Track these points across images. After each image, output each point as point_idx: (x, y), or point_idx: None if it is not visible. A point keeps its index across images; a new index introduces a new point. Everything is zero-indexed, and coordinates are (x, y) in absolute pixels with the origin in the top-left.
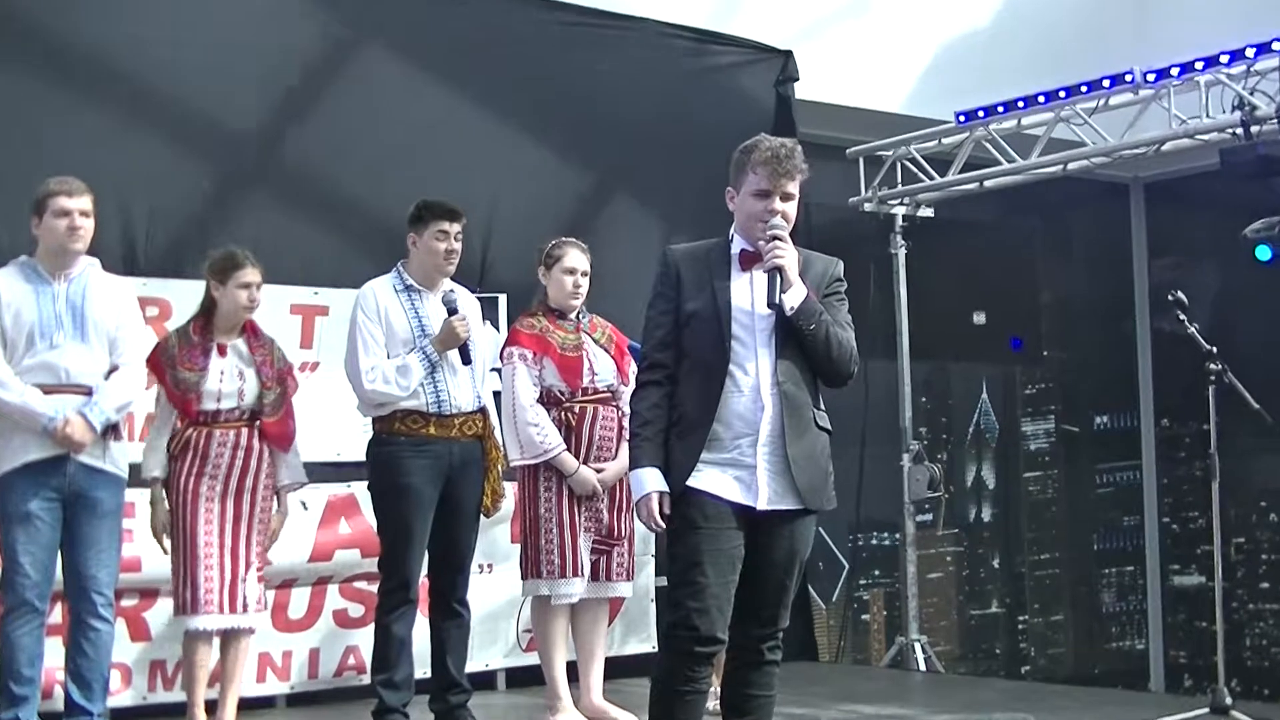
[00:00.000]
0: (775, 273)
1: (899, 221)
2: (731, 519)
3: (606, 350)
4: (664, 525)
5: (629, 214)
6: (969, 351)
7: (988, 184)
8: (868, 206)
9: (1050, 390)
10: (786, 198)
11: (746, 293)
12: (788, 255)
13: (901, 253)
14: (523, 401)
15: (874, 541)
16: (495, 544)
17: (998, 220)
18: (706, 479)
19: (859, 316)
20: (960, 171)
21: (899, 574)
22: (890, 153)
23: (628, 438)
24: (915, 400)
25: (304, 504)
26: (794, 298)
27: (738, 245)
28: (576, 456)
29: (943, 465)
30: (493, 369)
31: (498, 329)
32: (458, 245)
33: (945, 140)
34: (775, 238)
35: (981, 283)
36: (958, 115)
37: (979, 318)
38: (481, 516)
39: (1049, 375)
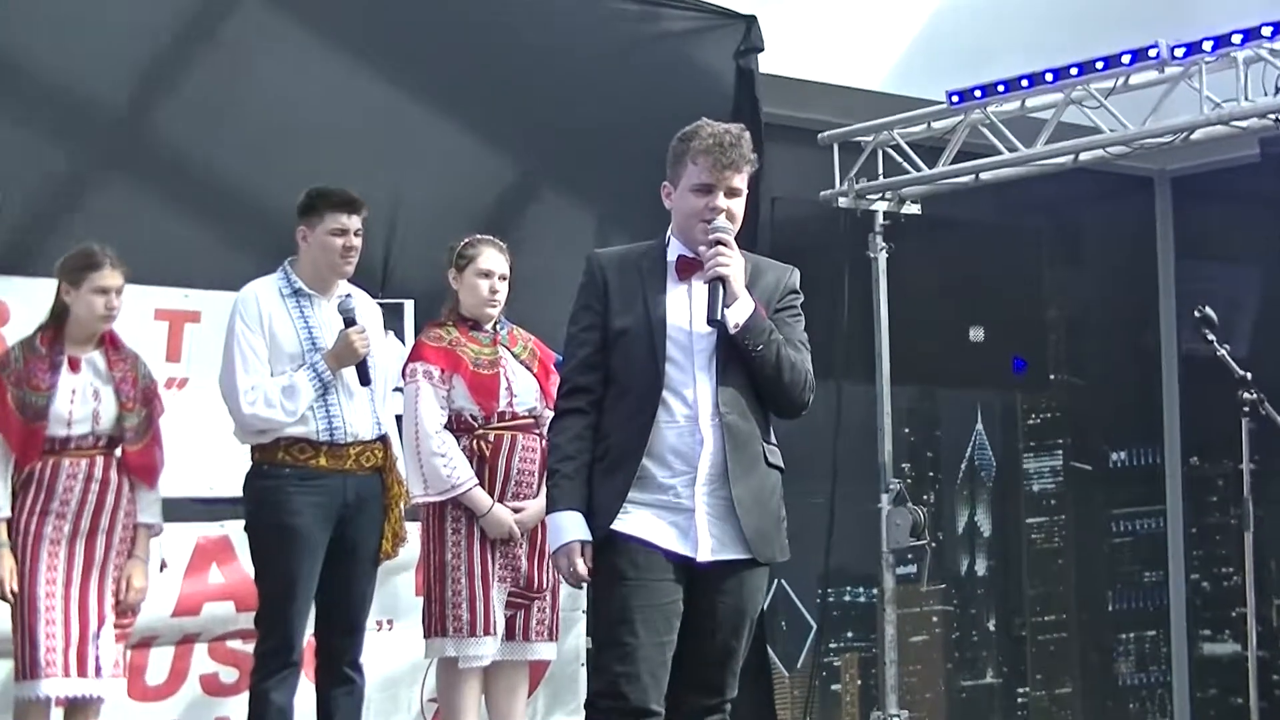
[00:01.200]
0: (717, 283)
1: (879, 219)
2: (667, 569)
3: (528, 368)
4: (587, 578)
5: (558, 209)
6: (962, 374)
7: (985, 177)
8: (843, 201)
9: (1058, 420)
10: (732, 193)
11: (684, 307)
12: (732, 263)
13: (882, 257)
14: (427, 427)
15: (847, 598)
16: (396, 596)
17: (997, 220)
18: (636, 522)
19: (830, 330)
20: (953, 162)
21: (876, 636)
22: (870, 138)
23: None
24: (897, 431)
25: (164, 562)
26: (739, 313)
27: (675, 250)
28: (491, 493)
29: (929, 508)
30: (395, 389)
31: (403, 341)
32: (357, 242)
33: (935, 124)
34: (718, 242)
35: (978, 293)
36: (950, 95)
37: (975, 334)
38: (380, 562)
39: (1057, 403)
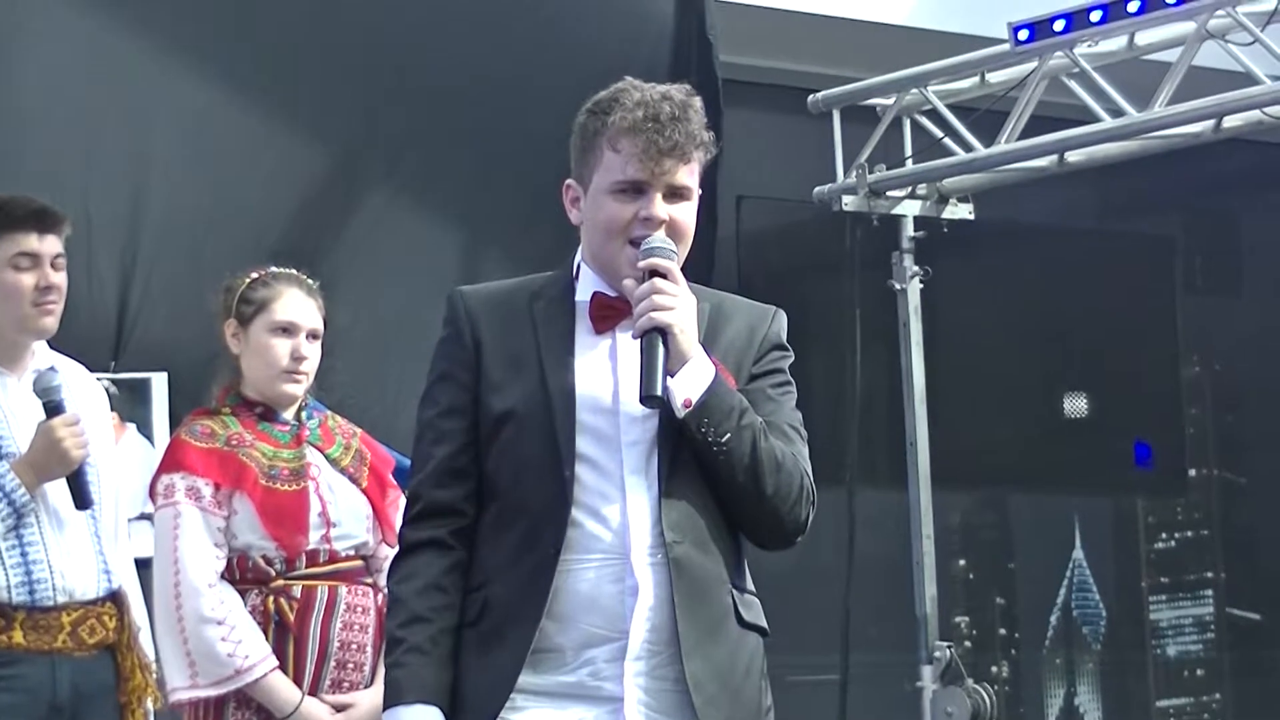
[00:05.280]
0: (655, 337)
1: (908, 229)
2: None
3: (354, 480)
4: None
5: (402, 224)
6: (1050, 470)
7: (1075, 157)
8: (850, 202)
9: (1206, 542)
10: (675, 195)
11: (604, 374)
12: (678, 304)
13: (914, 288)
14: (194, 579)
15: None
16: None
17: (1097, 226)
18: None
19: (836, 405)
20: (1022, 136)
21: None
22: (890, 100)
23: (385, 648)
24: (945, 564)
25: None
26: (690, 384)
27: (587, 286)
28: (298, 681)
29: (1000, 687)
30: (138, 516)
31: (150, 440)
32: (58, 279)
33: (993, 77)
34: (654, 271)
35: (1072, 342)
36: (1016, 31)
37: (1071, 406)
38: None
39: (1204, 514)
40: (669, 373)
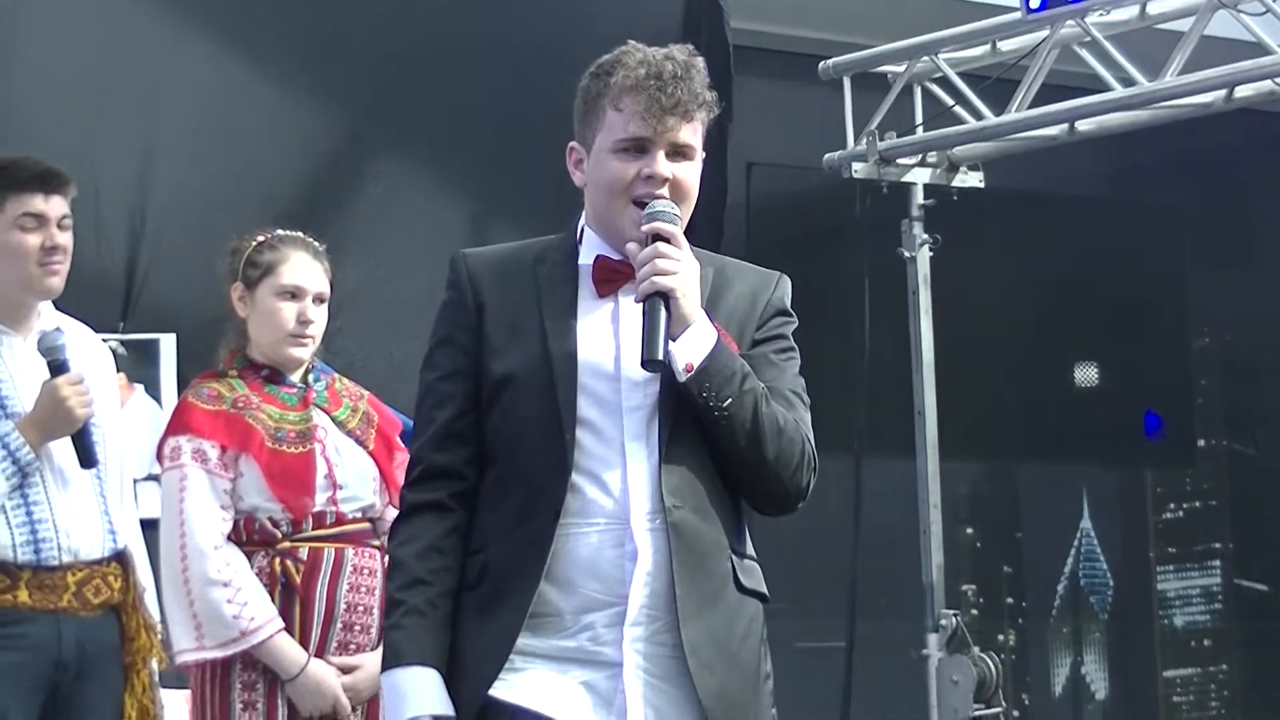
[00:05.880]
0: (657, 301)
1: (918, 197)
2: None
3: (360, 442)
4: None
5: (409, 188)
6: (1059, 440)
7: (1085, 126)
8: (860, 169)
9: (1214, 513)
10: (678, 154)
11: (606, 339)
12: (680, 268)
13: (924, 255)
14: (200, 540)
15: None
16: None
17: (1109, 195)
18: (530, 686)
19: (844, 373)
20: (1033, 104)
21: None
22: (901, 68)
23: (385, 609)
24: (952, 533)
25: None
26: (692, 349)
27: (590, 249)
28: (303, 643)
29: (1007, 655)
30: (145, 478)
31: (158, 402)
32: (63, 239)
33: (1004, 45)
34: (657, 235)
35: (1082, 311)
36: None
37: (1082, 375)
38: None
39: (1212, 484)
40: (671, 337)
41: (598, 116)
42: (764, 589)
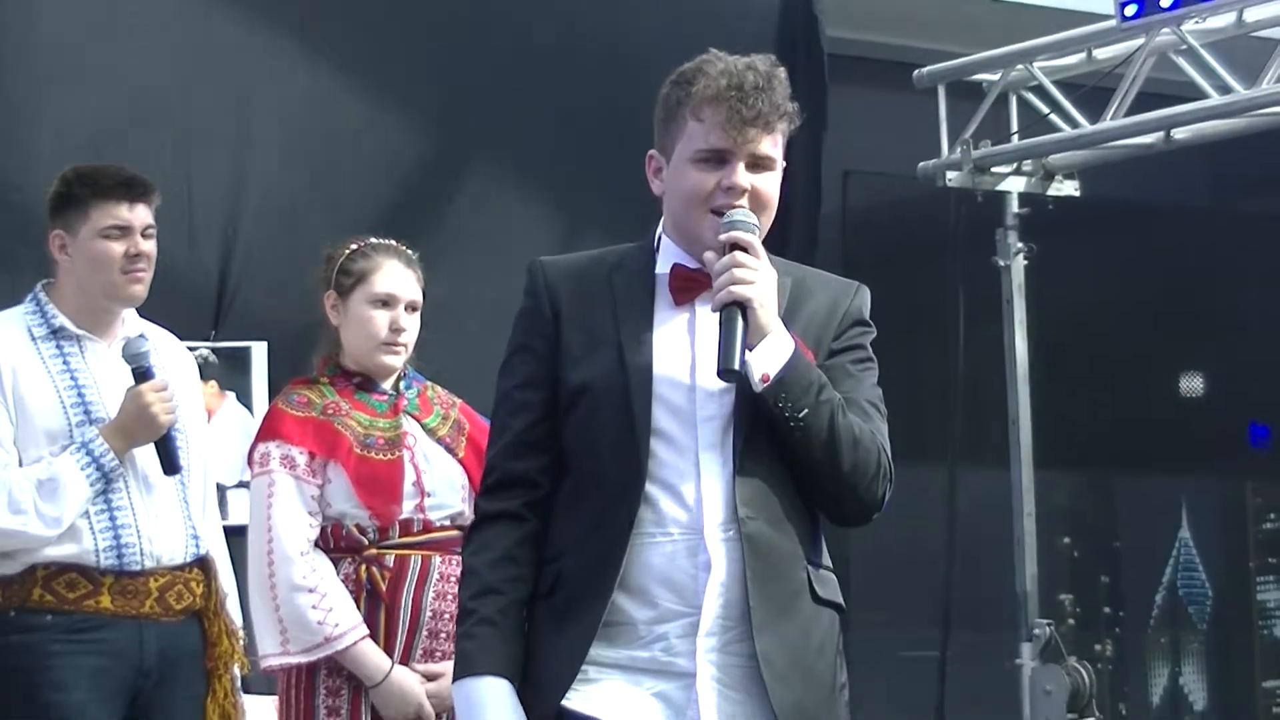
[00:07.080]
0: (734, 311)
1: (1013, 205)
2: None
3: (451, 451)
4: None
5: (500, 200)
6: (1160, 450)
7: (1182, 134)
8: (954, 177)
9: None
10: (758, 165)
11: (683, 349)
12: (758, 278)
13: (1019, 265)
14: (287, 547)
15: None
16: None
17: (1209, 203)
18: (603, 697)
19: (936, 384)
20: (1129, 113)
21: None
22: (996, 76)
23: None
24: (1047, 543)
25: None
26: (769, 359)
27: (668, 258)
28: (389, 650)
29: (1104, 665)
30: (235, 485)
31: (249, 409)
32: (148, 246)
33: (1099, 53)
34: (735, 245)
35: (1185, 320)
36: (1122, 7)
37: (1187, 385)
38: None
39: None
40: (748, 347)
41: (678, 125)
42: (840, 600)
